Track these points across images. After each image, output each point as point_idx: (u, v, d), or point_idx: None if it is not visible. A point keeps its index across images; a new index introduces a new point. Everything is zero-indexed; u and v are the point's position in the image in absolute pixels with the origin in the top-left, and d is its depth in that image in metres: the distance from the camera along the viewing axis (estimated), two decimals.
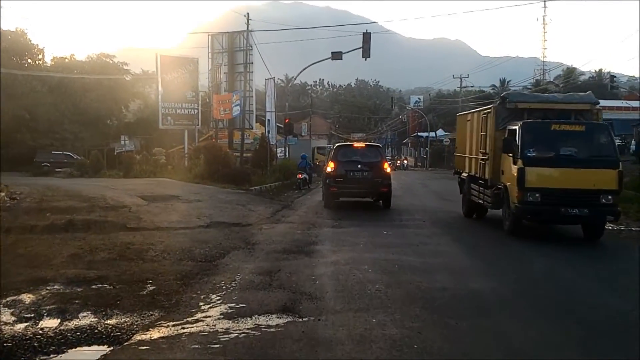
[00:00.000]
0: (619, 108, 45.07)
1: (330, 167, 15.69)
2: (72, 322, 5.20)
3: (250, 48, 28.98)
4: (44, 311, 5.52)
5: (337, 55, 26.80)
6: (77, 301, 5.85)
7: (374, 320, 5.34)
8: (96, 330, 4.98)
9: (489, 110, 12.46)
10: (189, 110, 30.00)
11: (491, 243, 10.95)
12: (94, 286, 6.49)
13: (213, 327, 5.10)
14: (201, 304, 5.85)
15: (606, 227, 10.99)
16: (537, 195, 10.21)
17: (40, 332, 4.92)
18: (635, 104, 43.75)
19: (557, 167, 10.39)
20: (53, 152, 35.69)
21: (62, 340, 4.74)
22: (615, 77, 49.26)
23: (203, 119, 31.98)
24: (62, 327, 5.05)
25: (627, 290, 7.10)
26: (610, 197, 10.17)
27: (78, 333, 4.91)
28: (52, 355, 4.48)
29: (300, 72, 30.85)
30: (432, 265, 8.16)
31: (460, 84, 55.91)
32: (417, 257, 8.73)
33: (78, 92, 40.07)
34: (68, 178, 27.46)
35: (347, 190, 15.51)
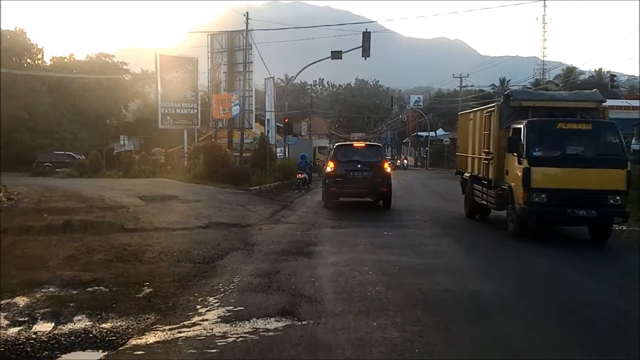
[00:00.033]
0: (619, 107, 44.91)
1: (330, 167, 15.60)
2: (66, 326, 5.10)
3: (250, 47, 28.89)
4: (38, 315, 5.42)
5: (336, 55, 26.72)
6: (72, 304, 5.75)
7: (375, 323, 5.24)
8: (91, 335, 4.88)
9: (493, 108, 12.21)
10: (189, 110, 29.90)
11: (493, 244, 10.82)
12: (89, 289, 6.40)
13: (210, 331, 5.00)
14: (198, 307, 5.75)
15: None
16: (543, 195, 9.95)
17: (34, 336, 4.83)
18: (635, 103, 43.69)
19: (564, 167, 10.13)
20: (55, 152, 35.59)
21: (56, 345, 4.64)
22: (616, 76, 49.20)
23: (202, 119, 31.88)
24: (56, 332, 4.94)
25: (630, 292, 6.99)
26: (618, 197, 9.89)
27: (72, 337, 4.81)
28: None
29: (300, 71, 30.73)
30: (433, 266, 8.06)
31: (460, 84, 55.80)
32: (417, 258, 8.63)
33: (77, 92, 39.99)
34: (67, 178, 27.34)
35: (347, 190, 15.40)
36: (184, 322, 5.21)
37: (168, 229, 10.84)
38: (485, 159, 12.33)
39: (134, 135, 39.11)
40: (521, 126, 10.59)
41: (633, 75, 63.78)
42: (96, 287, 6.46)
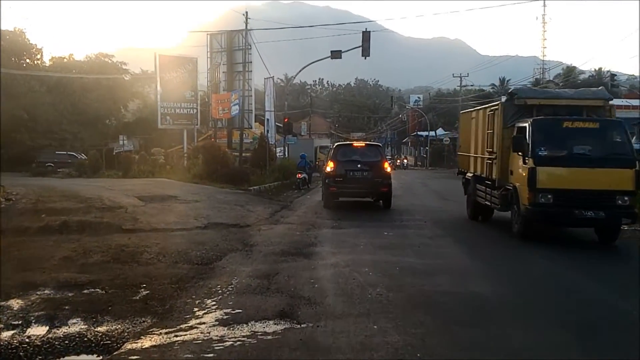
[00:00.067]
0: (619, 107, 44.78)
1: (329, 166, 15.51)
2: (60, 330, 4.99)
3: (249, 47, 28.79)
4: (32, 318, 5.31)
5: (336, 54, 26.64)
6: (67, 307, 5.64)
7: (375, 326, 5.14)
8: (85, 339, 4.77)
9: (496, 107, 11.89)
10: (188, 110, 29.82)
11: (495, 244, 10.69)
12: (85, 291, 6.29)
13: (207, 334, 4.89)
14: (196, 309, 5.65)
15: None
16: (549, 196, 9.69)
17: (27, 340, 4.72)
18: (635, 102, 43.57)
19: (570, 167, 9.86)
20: (57, 152, 35.50)
21: (50, 350, 4.54)
22: (616, 75, 49.12)
23: (202, 119, 31.80)
24: (50, 335, 4.84)
25: (635, 293, 6.90)
26: (626, 198, 9.61)
27: (66, 341, 4.71)
28: None
29: (300, 71, 30.64)
30: (434, 267, 7.96)
31: (460, 83, 55.69)
32: (418, 258, 8.53)
33: (77, 92, 39.89)
34: (66, 178, 27.25)
35: (347, 190, 15.31)
36: (181, 326, 5.11)
37: (166, 230, 10.74)
38: (489, 159, 12.05)
39: (133, 135, 39.03)
40: (526, 125, 10.33)
41: (633, 75, 63.70)
42: (92, 290, 6.35)
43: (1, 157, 26.45)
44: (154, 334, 4.90)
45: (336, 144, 19.14)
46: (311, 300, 6.01)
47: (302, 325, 5.17)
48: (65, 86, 39.28)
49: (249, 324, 5.18)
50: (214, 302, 5.90)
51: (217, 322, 5.23)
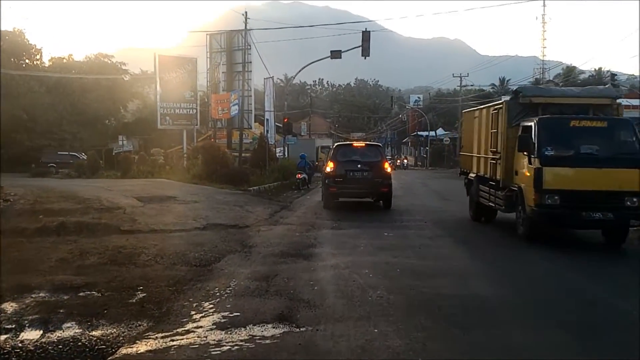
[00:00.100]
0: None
1: (329, 167, 15.41)
2: (54, 334, 4.88)
3: (249, 47, 28.72)
4: (26, 322, 5.21)
5: (336, 54, 26.57)
6: (62, 310, 5.53)
7: (376, 330, 5.04)
8: (79, 343, 4.67)
9: (500, 105, 11.62)
10: (188, 110, 29.71)
11: (496, 245, 10.55)
12: (81, 294, 6.18)
13: (204, 338, 4.79)
14: (193, 312, 5.55)
15: None
16: (556, 197, 9.41)
17: (20, 345, 4.62)
18: (635, 102, 43.42)
19: (578, 167, 9.57)
20: (59, 152, 35.40)
21: (43, 355, 4.43)
22: (616, 75, 49.04)
23: (202, 119, 31.72)
24: (43, 340, 4.73)
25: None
26: (635, 199, 9.33)
27: (60, 346, 4.60)
28: None
29: (299, 70, 30.56)
30: (435, 269, 7.86)
31: (460, 83, 55.61)
32: (419, 260, 8.43)
33: (76, 92, 39.84)
34: (66, 179, 27.15)
35: (347, 191, 15.22)
36: (177, 330, 5.01)
37: (165, 231, 10.63)
38: (493, 159, 11.76)
39: (133, 135, 38.97)
40: (532, 124, 10.05)
41: (633, 75, 63.59)
42: (88, 292, 6.24)
43: (1, 158, 26.35)
44: (149, 338, 4.80)
45: (336, 144, 19.05)
46: (310, 303, 5.91)
47: (302, 329, 5.07)
48: (65, 86, 39.23)
49: (247, 328, 5.08)
50: (211, 305, 5.80)
51: (214, 326, 5.13)
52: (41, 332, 4.95)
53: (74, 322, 5.19)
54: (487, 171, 12.31)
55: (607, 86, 11.73)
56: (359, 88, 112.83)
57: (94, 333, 4.92)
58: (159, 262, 7.91)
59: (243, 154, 26.96)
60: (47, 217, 11.28)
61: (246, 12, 28.09)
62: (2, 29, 36.00)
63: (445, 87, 75.08)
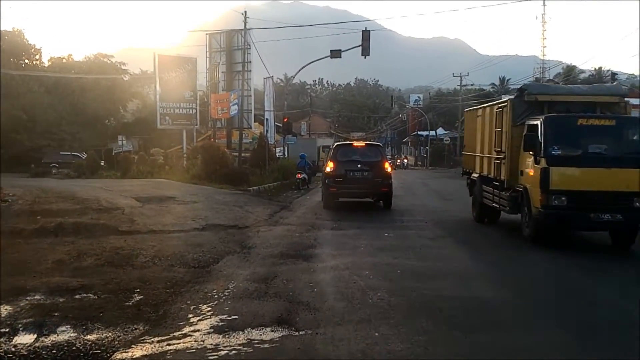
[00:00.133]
0: None
1: (329, 166, 15.31)
2: (49, 338, 4.78)
3: (248, 47, 28.58)
4: (20, 325, 5.10)
5: (336, 54, 26.45)
6: (57, 314, 5.42)
7: (377, 333, 4.95)
8: (74, 348, 4.57)
9: (505, 103, 11.32)
10: (187, 110, 29.60)
11: (498, 246, 10.44)
12: (77, 296, 6.08)
13: (201, 343, 4.69)
14: (190, 315, 5.45)
15: None
16: (563, 198, 9.16)
17: (13, 349, 4.52)
18: (635, 101, 43.29)
19: (586, 167, 9.30)
20: (61, 152, 35.32)
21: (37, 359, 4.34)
22: (616, 74, 48.90)
23: (202, 119, 31.60)
24: (37, 344, 4.64)
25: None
26: None
27: (54, 351, 4.51)
28: None
29: (299, 70, 30.45)
30: (436, 270, 7.77)
31: (460, 83, 55.54)
32: (420, 261, 8.34)
33: (76, 92, 39.78)
34: (65, 179, 27.05)
35: (347, 191, 15.12)
36: (174, 333, 4.91)
37: (163, 232, 10.54)
38: (497, 159, 11.51)
39: (132, 135, 38.89)
40: (538, 122, 9.77)
41: (633, 74, 63.52)
42: (84, 295, 6.14)
43: (1, 158, 26.30)
44: (145, 342, 4.70)
45: (336, 143, 18.95)
46: (310, 306, 5.82)
47: (301, 333, 4.98)
48: (64, 86, 39.17)
49: (245, 331, 4.98)
50: (209, 308, 5.71)
51: (212, 330, 5.04)
52: (35, 336, 4.84)
53: (68, 326, 5.10)
54: (491, 171, 12.06)
55: (615, 84, 11.43)
56: (358, 88, 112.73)
57: (88, 337, 4.82)
58: (157, 263, 7.81)
59: (243, 154, 26.84)
60: (45, 218, 11.17)
61: (246, 12, 27.97)
62: (2, 29, 36.00)
63: (445, 87, 75.07)
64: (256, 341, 4.75)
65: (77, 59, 45.59)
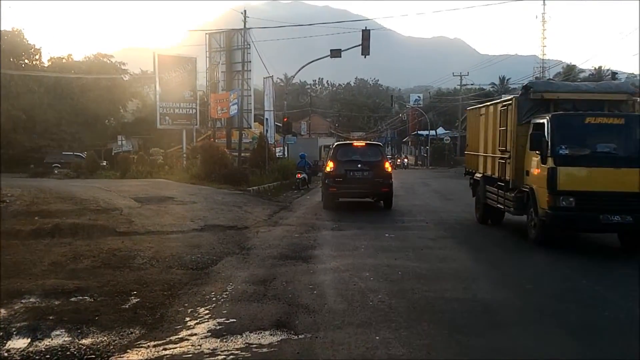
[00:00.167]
0: None
1: (329, 166, 15.22)
2: (43, 343, 4.69)
3: (248, 46, 28.49)
4: (14, 329, 5.00)
5: (336, 53, 26.39)
6: (51, 317, 5.32)
7: (377, 337, 4.85)
8: (68, 352, 4.47)
9: (510, 102, 11.05)
10: (187, 109, 29.54)
11: (499, 246, 10.34)
12: (72, 299, 5.98)
13: (198, 347, 4.60)
14: (187, 319, 5.35)
15: None
16: (571, 199, 8.88)
17: (6, 355, 4.42)
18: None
19: (594, 167, 9.03)
20: (63, 152, 35.23)
21: None
22: (616, 73, 48.81)
23: (201, 119, 31.52)
24: (31, 349, 4.54)
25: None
26: None
27: (48, 355, 4.41)
28: None
29: (299, 70, 30.37)
30: (438, 272, 7.66)
31: (460, 82, 55.46)
32: (421, 262, 8.23)
33: (75, 92, 39.68)
34: (64, 179, 26.94)
35: (347, 191, 15.03)
36: (171, 337, 4.82)
37: (162, 233, 10.44)
38: (501, 158, 11.21)
39: (132, 135, 38.82)
40: (544, 121, 9.52)
41: (633, 73, 63.40)
42: (80, 297, 6.04)
43: (1, 158, 26.21)
44: (141, 346, 4.61)
45: (336, 143, 18.86)
46: (310, 308, 5.72)
47: (300, 336, 4.88)
48: (64, 87, 39.07)
49: (244, 335, 4.89)
50: (207, 311, 5.61)
51: (209, 333, 4.94)
52: (29, 340, 4.75)
53: (63, 330, 5.00)
54: (495, 171, 11.80)
55: (623, 81, 11.27)
56: (358, 87, 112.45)
57: (83, 341, 4.72)
58: (155, 265, 7.71)
59: (242, 154, 26.74)
60: (43, 219, 11.08)
61: (245, 11, 27.89)
62: (2, 29, 35.91)
63: (445, 86, 75.00)
64: (254, 345, 4.66)
65: (77, 59, 45.45)
